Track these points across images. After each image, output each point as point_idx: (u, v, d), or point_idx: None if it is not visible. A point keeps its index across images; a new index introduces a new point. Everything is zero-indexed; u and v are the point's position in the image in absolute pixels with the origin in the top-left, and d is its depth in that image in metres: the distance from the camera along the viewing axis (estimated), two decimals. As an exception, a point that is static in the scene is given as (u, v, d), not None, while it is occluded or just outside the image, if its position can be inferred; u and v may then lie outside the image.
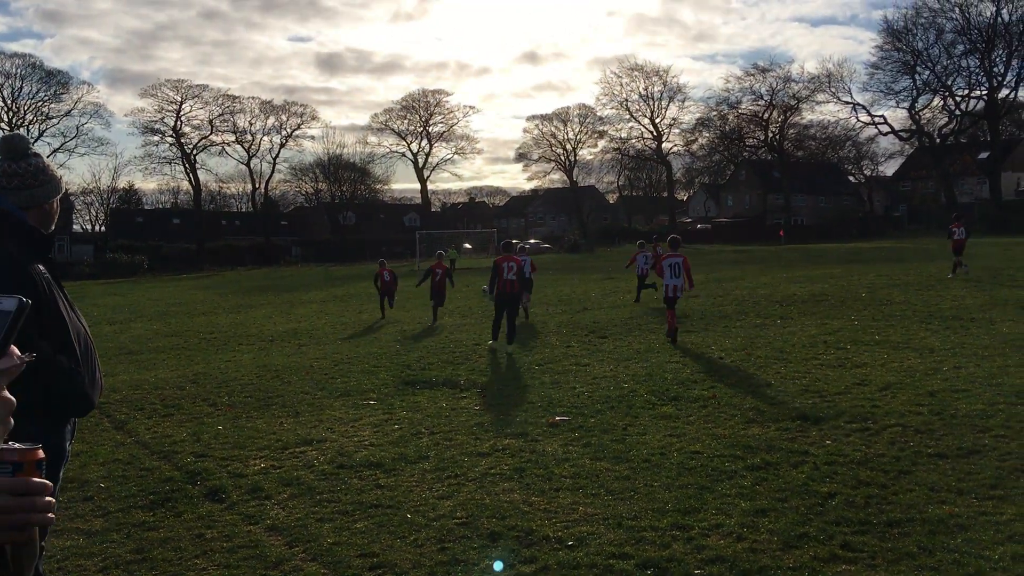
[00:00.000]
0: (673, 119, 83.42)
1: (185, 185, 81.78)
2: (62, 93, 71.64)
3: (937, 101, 68.91)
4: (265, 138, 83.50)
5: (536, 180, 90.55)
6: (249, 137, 79.36)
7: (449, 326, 17.48)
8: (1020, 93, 67.97)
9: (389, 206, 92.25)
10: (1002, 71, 65.32)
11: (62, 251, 67.34)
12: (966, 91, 67.49)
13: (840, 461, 6.13)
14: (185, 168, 77.91)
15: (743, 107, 77.31)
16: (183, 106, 76.10)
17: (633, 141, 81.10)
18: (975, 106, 68.14)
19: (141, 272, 60.05)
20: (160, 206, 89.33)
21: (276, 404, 9.48)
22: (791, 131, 77.73)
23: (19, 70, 69.50)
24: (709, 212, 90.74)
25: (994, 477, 5.57)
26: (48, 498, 1.34)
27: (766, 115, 76.62)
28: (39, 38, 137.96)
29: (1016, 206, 62.40)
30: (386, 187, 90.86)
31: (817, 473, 5.88)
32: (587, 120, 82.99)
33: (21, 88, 69.81)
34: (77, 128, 73.54)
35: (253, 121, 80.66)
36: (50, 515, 1.35)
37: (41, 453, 1.38)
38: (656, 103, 78.58)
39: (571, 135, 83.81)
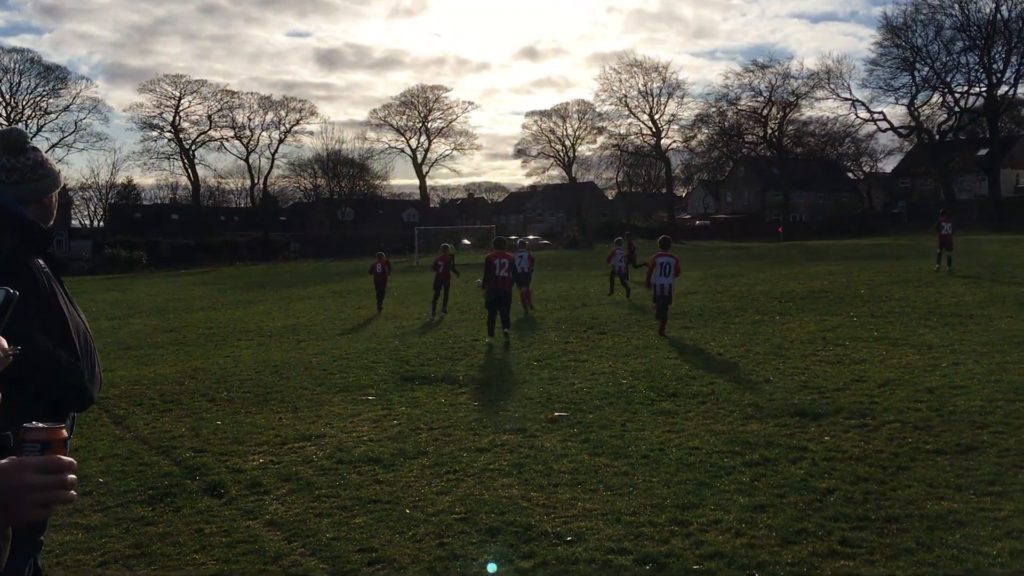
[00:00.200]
0: (672, 115, 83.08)
1: (184, 180, 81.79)
2: (60, 88, 71.61)
3: (936, 98, 68.94)
4: (264, 133, 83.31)
5: (535, 176, 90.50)
6: (248, 132, 79.35)
7: (447, 322, 17.47)
8: (1019, 90, 67.83)
9: (388, 202, 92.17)
10: (1001, 68, 65.31)
11: (61, 246, 67.30)
12: (965, 88, 67.51)
13: (838, 457, 6.14)
14: (184, 163, 77.92)
15: (742, 103, 77.28)
16: (182, 101, 76.10)
17: (632, 137, 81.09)
18: (974, 103, 68.12)
19: (139, 267, 60.00)
20: (159, 201, 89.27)
21: (275, 400, 9.48)
22: (790, 127, 77.73)
23: (17, 65, 69.46)
24: (708, 208, 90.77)
25: (992, 473, 5.58)
26: (72, 476, 1.40)
27: (765, 111, 76.60)
28: (37, 33, 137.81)
29: (1015, 203, 62.45)
30: (385, 183, 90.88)
31: (815, 469, 5.88)
32: (586, 116, 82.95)
33: (19, 83, 69.77)
34: (76, 123, 73.53)
35: (252, 116, 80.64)
36: (73, 492, 1.41)
37: (65, 432, 1.44)
38: (655, 99, 78.56)
39: (570, 131, 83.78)
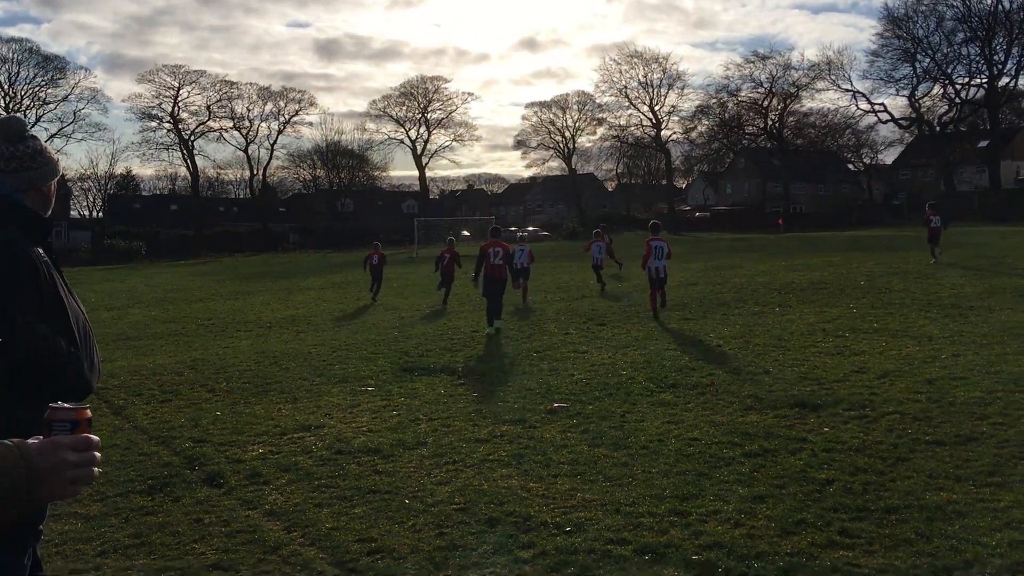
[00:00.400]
0: (672, 106, 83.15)
1: (183, 171, 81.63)
2: (59, 78, 71.41)
3: (937, 89, 68.84)
4: (263, 124, 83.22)
5: (535, 167, 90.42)
6: (247, 123, 79.14)
7: (447, 313, 17.47)
8: (1020, 81, 68.12)
9: (387, 193, 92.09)
10: (1002, 59, 65.20)
11: (60, 237, 67.23)
12: (966, 79, 67.41)
13: (838, 448, 6.14)
14: (183, 154, 77.74)
15: (743, 95, 77.09)
16: (181, 92, 75.86)
17: (632, 128, 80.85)
18: (975, 94, 68.05)
19: (139, 258, 60.01)
20: (158, 192, 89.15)
21: (274, 390, 9.48)
22: (791, 119, 77.56)
23: (16, 55, 69.25)
24: (708, 200, 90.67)
25: (992, 464, 5.58)
26: (98, 454, 1.48)
27: (766, 103, 76.42)
28: (36, 23, 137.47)
29: (1015, 194, 62.41)
30: (384, 174, 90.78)
31: (815, 460, 5.89)
32: (586, 107, 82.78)
33: (18, 73, 69.59)
34: (74, 113, 73.35)
35: (251, 107, 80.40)
36: (98, 470, 1.50)
37: (89, 412, 1.51)
38: (655, 90, 78.30)
39: (570, 122, 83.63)
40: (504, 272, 14.34)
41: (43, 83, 70.80)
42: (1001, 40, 64.41)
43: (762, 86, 75.76)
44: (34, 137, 3.55)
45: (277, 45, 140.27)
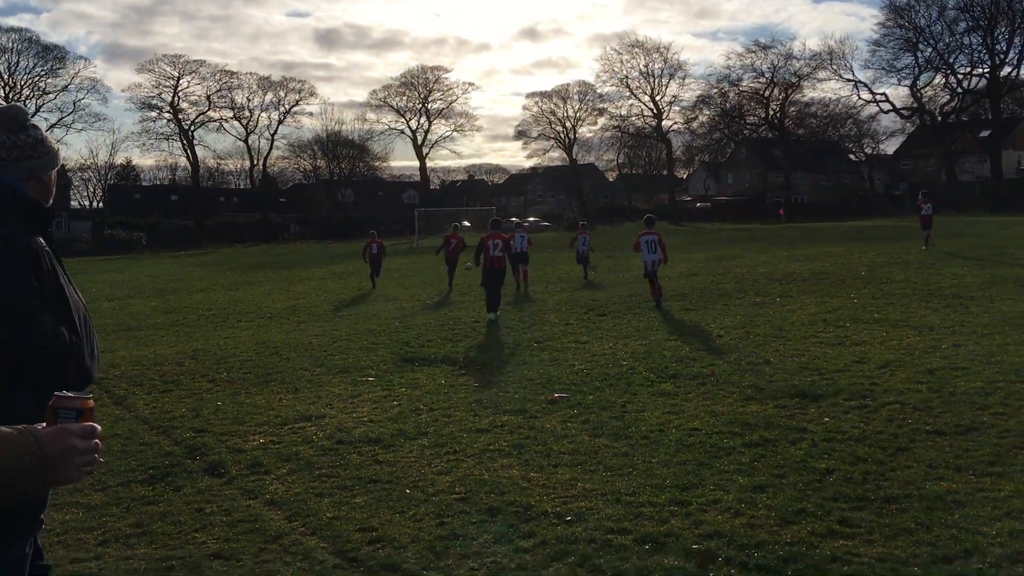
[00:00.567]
0: (673, 96, 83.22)
1: (183, 161, 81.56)
2: (59, 68, 71.28)
3: (939, 79, 68.62)
4: (263, 114, 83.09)
5: (535, 158, 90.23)
6: (247, 113, 79.07)
7: (448, 303, 17.47)
8: (1022, 71, 67.63)
9: (388, 183, 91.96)
10: (1004, 49, 64.97)
11: (60, 227, 67.19)
12: (968, 69, 67.17)
13: (838, 438, 6.14)
14: (183, 144, 77.66)
15: (744, 84, 76.86)
16: (180, 82, 75.73)
17: (633, 119, 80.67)
18: (977, 84, 67.82)
19: (139, 249, 59.99)
20: (158, 182, 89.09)
21: (275, 380, 9.49)
22: (792, 109, 77.34)
23: (15, 44, 69.11)
24: (709, 190, 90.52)
25: (992, 454, 5.58)
26: (100, 441, 1.56)
27: (767, 92, 76.22)
28: (36, 12, 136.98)
29: (1017, 184, 62.27)
30: (385, 164, 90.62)
31: (815, 450, 5.89)
32: (587, 97, 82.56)
33: (18, 63, 69.45)
34: (74, 103, 73.24)
35: (251, 97, 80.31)
36: (100, 457, 1.58)
37: (92, 401, 1.59)
38: (656, 80, 78.09)
39: (571, 112, 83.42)
40: (503, 263, 14.61)
41: (43, 73, 70.72)
42: (1003, 29, 64.20)
43: (763, 76, 75.58)
44: (35, 126, 3.54)
45: (277, 35, 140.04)
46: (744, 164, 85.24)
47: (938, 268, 17.67)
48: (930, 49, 66.74)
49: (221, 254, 52.15)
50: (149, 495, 5.61)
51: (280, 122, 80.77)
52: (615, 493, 5.21)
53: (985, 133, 67.45)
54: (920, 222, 23.09)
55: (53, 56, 70.89)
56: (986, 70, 66.13)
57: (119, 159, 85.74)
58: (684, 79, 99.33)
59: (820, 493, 5.03)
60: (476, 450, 6.32)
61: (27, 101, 68.63)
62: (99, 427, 1.58)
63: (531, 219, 70.38)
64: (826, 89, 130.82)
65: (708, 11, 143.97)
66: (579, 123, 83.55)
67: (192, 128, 77.39)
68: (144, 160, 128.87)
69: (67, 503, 5.37)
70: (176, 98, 75.82)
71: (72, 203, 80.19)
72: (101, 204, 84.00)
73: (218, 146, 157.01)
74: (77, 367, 3.52)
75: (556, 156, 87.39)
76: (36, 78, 70.58)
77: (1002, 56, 65.11)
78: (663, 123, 78.96)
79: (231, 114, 78.63)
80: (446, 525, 4.82)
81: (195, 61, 78.90)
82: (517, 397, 8.06)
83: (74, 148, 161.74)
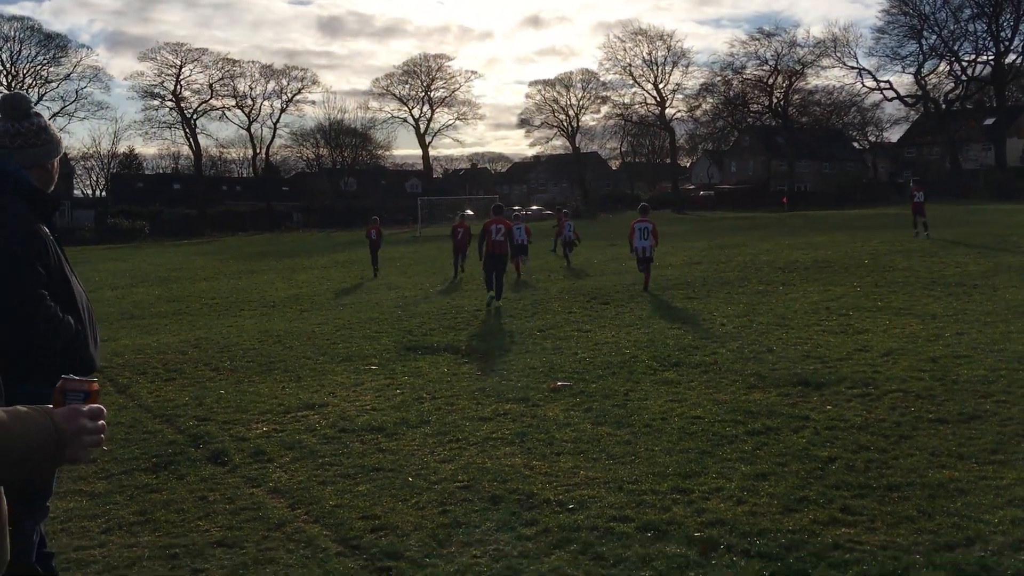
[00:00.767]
0: (677, 84, 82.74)
1: (186, 150, 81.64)
2: (61, 56, 71.26)
3: (943, 66, 68.37)
4: (266, 103, 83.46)
5: (538, 146, 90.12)
6: (249, 102, 79.09)
7: (450, 292, 17.48)
8: (1027, 58, 67.25)
9: (391, 172, 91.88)
10: (1009, 36, 64.69)
11: (63, 216, 67.22)
12: (973, 56, 66.93)
13: (841, 426, 6.14)
14: (185, 133, 77.72)
15: (748, 72, 76.58)
16: (183, 70, 75.72)
17: (636, 107, 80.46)
18: (981, 71, 67.59)
19: (142, 237, 60.05)
20: (161, 171, 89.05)
21: (278, 369, 9.50)
22: (796, 97, 77.06)
23: (18, 33, 69.08)
24: (712, 178, 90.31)
25: (995, 442, 5.58)
26: (104, 422, 1.65)
27: (771, 80, 75.93)
28: (38, 0, 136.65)
29: (1021, 172, 62.04)
30: (388, 153, 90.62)
31: (818, 438, 5.89)
32: (590, 85, 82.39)
33: (20, 51, 69.44)
34: (77, 92, 73.25)
35: (253, 85, 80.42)
36: (105, 437, 1.66)
37: (97, 385, 1.69)
38: (660, 68, 77.81)
39: (574, 101, 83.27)
40: (505, 248, 14.98)
41: (45, 61, 70.70)
42: (1008, 16, 63.89)
43: (767, 64, 75.30)
44: (38, 114, 3.54)
45: (279, 23, 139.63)
46: (747, 152, 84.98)
47: (941, 256, 17.64)
48: (934, 36, 66.50)
49: (224, 243, 52.17)
50: (152, 483, 5.62)
51: (283, 110, 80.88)
52: (617, 481, 5.21)
53: (989, 121, 67.18)
54: (912, 209, 23.56)
55: (55, 44, 70.91)
56: (991, 57, 65.89)
57: (122, 148, 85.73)
58: (687, 67, 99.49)
59: (822, 481, 5.04)
60: (479, 438, 6.33)
61: (30, 90, 68.59)
62: (104, 408, 1.67)
63: (534, 207, 70.26)
64: (830, 77, 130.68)
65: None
66: (582, 111, 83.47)
67: (195, 117, 77.44)
68: (147, 149, 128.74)
69: (71, 491, 5.39)
70: (178, 86, 75.85)
71: (75, 192, 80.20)
72: (104, 193, 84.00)
73: (221, 135, 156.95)
74: (81, 355, 3.53)
75: (559, 144, 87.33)
76: (38, 67, 70.61)
77: (1007, 43, 64.85)
78: (666, 111, 78.75)
79: (233, 102, 78.70)
80: (449, 513, 4.83)
81: (197, 49, 78.67)
82: (520, 385, 8.06)
83: (77, 137, 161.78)
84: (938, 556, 3.96)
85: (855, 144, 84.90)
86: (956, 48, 66.36)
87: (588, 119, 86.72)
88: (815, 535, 4.27)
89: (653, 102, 78.98)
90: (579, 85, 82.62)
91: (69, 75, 71.95)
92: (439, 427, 6.69)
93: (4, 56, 68.72)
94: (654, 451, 5.80)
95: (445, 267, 23.78)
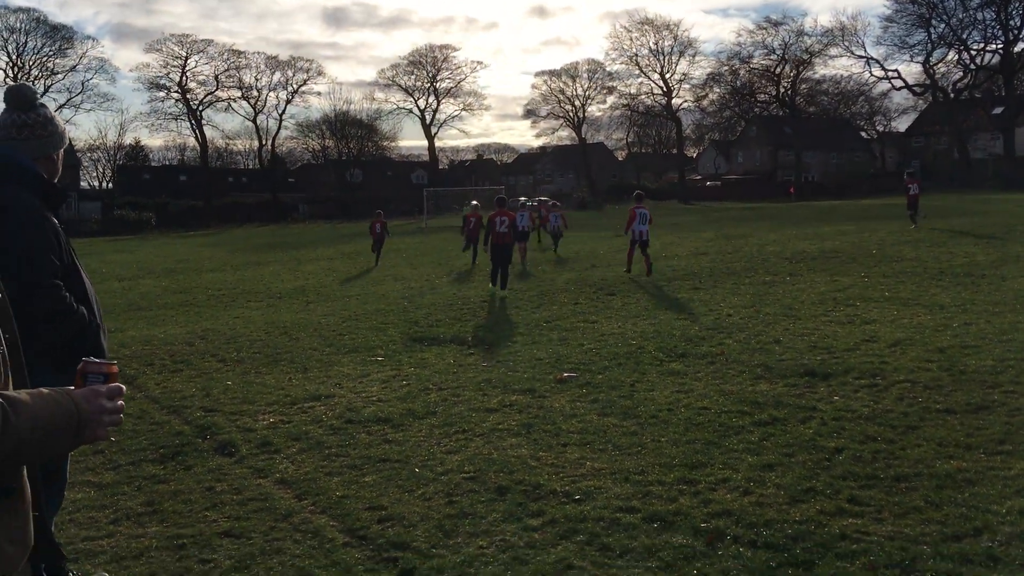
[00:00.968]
0: (683, 74, 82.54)
1: (191, 142, 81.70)
2: (67, 48, 71.30)
3: (952, 55, 68.00)
4: (271, 94, 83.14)
5: (544, 137, 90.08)
6: (255, 93, 78.99)
7: (456, 283, 17.49)
8: (1036, 47, 66.81)
9: (396, 163, 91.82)
10: (1018, 24, 64.23)
11: (69, 208, 67.37)
12: (981, 45, 66.52)
13: (848, 417, 6.13)
14: (191, 124, 77.74)
15: (755, 62, 76.31)
16: (188, 61, 75.69)
17: (643, 97, 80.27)
18: (990, 60, 67.15)
19: (149, 229, 60.20)
20: (167, 163, 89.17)
21: (285, 360, 9.52)
22: (803, 86, 76.75)
23: (24, 25, 69.12)
24: (719, 169, 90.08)
25: (1003, 432, 5.56)
26: (122, 402, 1.73)
27: (778, 70, 75.63)
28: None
29: (1030, 162, 61.72)
30: (393, 144, 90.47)
31: (825, 429, 5.88)
32: (596, 76, 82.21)
33: (26, 43, 69.48)
34: (83, 83, 73.43)
35: (259, 77, 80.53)
36: (122, 416, 1.75)
37: (116, 367, 1.77)
38: (666, 58, 77.61)
39: (580, 91, 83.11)
40: (510, 239, 15.38)
41: (51, 53, 70.75)
42: (1017, 4, 63.43)
43: (774, 53, 75.01)
44: (43, 105, 3.54)
45: (284, 13, 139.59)
46: (754, 142, 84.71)
47: (949, 247, 17.57)
48: (943, 25, 66.11)
49: (230, 234, 52.24)
50: (160, 474, 5.64)
51: (288, 102, 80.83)
52: (624, 472, 5.21)
53: (998, 110, 66.79)
54: (907, 201, 24.42)
55: (61, 36, 70.92)
56: (1000, 46, 65.47)
57: (128, 139, 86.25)
58: (694, 56, 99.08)
59: (829, 472, 5.03)
60: (485, 429, 6.33)
61: (36, 81, 68.69)
62: (124, 387, 1.76)
63: (540, 198, 70.14)
64: (838, 66, 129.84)
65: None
66: (588, 102, 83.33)
67: (200, 108, 77.42)
68: (153, 140, 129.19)
69: (79, 482, 5.41)
70: (184, 78, 75.83)
71: (81, 184, 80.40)
72: (110, 185, 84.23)
73: (226, 126, 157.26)
74: (93, 344, 3.54)
75: (565, 135, 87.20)
76: (44, 58, 70.66)
77: (1016, 32, 64.40)
78: (673, 101, 78.54)
79: (239, 94, 78.64)
80: (455, 504, 4.83)
81: (203, 41, 78.98)
82: (526, 377, 8.06)
83: (83, 129, 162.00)
84: (945, 546, 3.95)
85: (863, 134, 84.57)
86: (965, 37, 66.01)
87: (594, 109, 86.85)
88: (822, 526, 4.26)
89: (660, 92, 78.81)
90: (585, 75, 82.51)
91: (75, 67, 72.11)
92: (445, 418, 6.70)
93: (10, 48, 68.85)
94: (660, 442, 5.79)
95: (451, 258, 23.79)
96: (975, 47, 66.61)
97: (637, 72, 78.87)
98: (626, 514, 4.54)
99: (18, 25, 68.68)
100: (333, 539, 4.42)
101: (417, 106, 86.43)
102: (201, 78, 77.43)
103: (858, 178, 71.08)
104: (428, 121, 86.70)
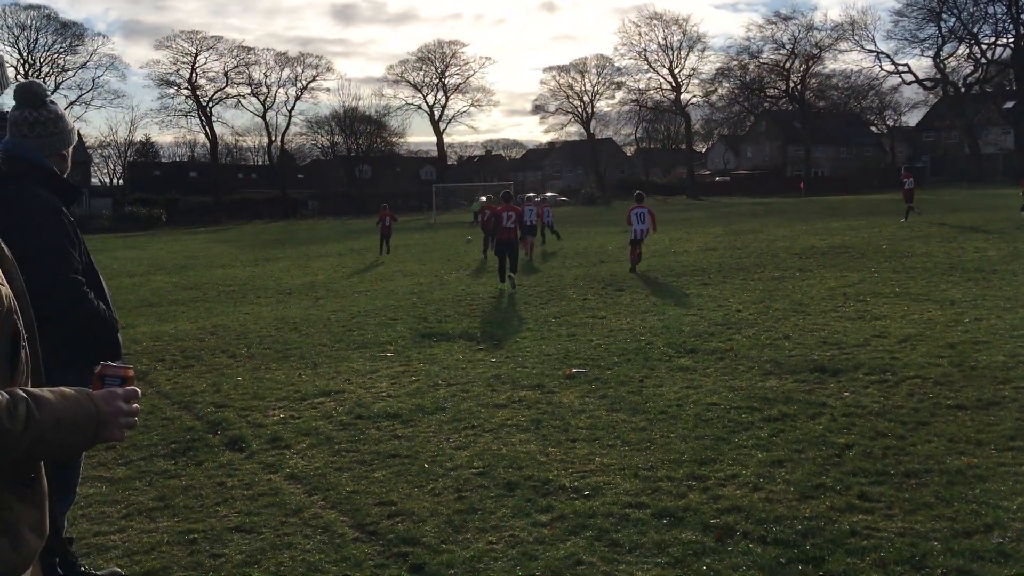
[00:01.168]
0: (692, 69, 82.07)
1: (201, 138, 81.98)
2: (77, 45, 71.62)
3: (962, 49, 67.71)
4: (280, 90, 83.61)
5: (553, 133, 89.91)
6: (264, 89, 79.17)
7: (465, 279, 17.50)
8: (1048, 40, 66.33)
9: (405, 159, 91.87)
10: (1030, 18, 63.75)
11: (80, 204, 67.60)
12: (992, 38, 66.23)
13: (858, 413, 6.11)
14: (201, 121, 77.93)
15: (764, 56, 76.13)
16: (198, 58, 75.88)
17: (651, 92, 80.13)
18: (1001, 54, 66.79)
19: (159, 225, 60.43)
20: (177, 159, 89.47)
21: (294, 356, 9.55)
22: (813, 81, 76.49)
23: (34, 22, 69.44)
24: (728, 164, 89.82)
25: (1014, 428, 5.54)
26: (137, 405, 1.81)
27: (787, 64, 75.41)
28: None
29: (1041, 157, 61.35)
30: (402, 140, 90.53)
31: (834, 424, 5.86)
32: (605, 71, 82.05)
33: (36, 40, 69.82)
34: (93, 80, 73.81)
35: (268, 73, 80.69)
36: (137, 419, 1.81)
37: (132, 371, 1.85)
38: (675, 53, 77.39)
39: (588, 86, 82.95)
40: (516, 234, 15.67)
41: (62, 50, 71.07)
42: (1029, -2, 62.97)
43: (784, 47, 74.77)
44: (53, 102, 3.56)
45: (293, 10, 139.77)
46: (764, 137, 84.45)
47: (960, 242, 17.49)
48: (954, 19, 65.78)
49: (240, 230, 52.38)
50: (171, 469, 5.67)
51: (297, 98, 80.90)
52: (633, 468, 5.21)
53: (1009, 104, 66.40)
54: (903, 195, 25.55)
55: (71, 33, 71.22)
56: (1011, 40, 65.10)
57: (138, 136, 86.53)
58: (703, 51, 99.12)
59: (839, 468, 5.02)
60: (494, 425, 6.34)
61: (46, 79, 69.03)
62: (139, 391, 1.83)
63: (549, 194, 70.09)
64: (848, 60, 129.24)
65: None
66: (597, 97, 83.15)
67: (210, 105, 77.65)
68: (163, 137, 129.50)
69: (91, 477, 5.44)
70: (194, 75, 76.03)
71: (92, 180, 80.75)
72: (121, 181, 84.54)
73: (236, 123, 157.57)
74: (111, 341, 3.56)
75: (574, 131, 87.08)
76: (55, 55, 70.99)
77: (1027, 25, 63.93)
78: (682, 96, 78.35)
79: (248, 90, 78.83)
80: (464, 499, 4.84)
81: (212, 37, 78.94)
82: (535, 372, 8.06)
83: (94, 125, 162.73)
84: (956, 543, 3.94)
85: (873, 128, 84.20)
86: (975, 31, 65.67)
87: (603, 105, 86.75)
88: (832, 522, 4.26)
89: (668, 87, 78.63)
90: (594, 71, 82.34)
91: (85, 64, 72.47)
92: (454, 414, 6.71)
93: (21, 45, 69.15)
94: (670, 438, 5.79)
95: (460, 254, 23.81)
96: (986, 41, 66.36)
97: (646, 67, 78.80)
98: (635, 510, 4.55)
99: (29, 22, 69.08)
100: (343, 534, 4.43)
101: (426, 102, 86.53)
102: (211, 75, 77.58)
103: (868, 173, 70.76)
104: (437, 117, 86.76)
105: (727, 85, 78.96)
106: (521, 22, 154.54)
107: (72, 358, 3.28)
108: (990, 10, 64.92)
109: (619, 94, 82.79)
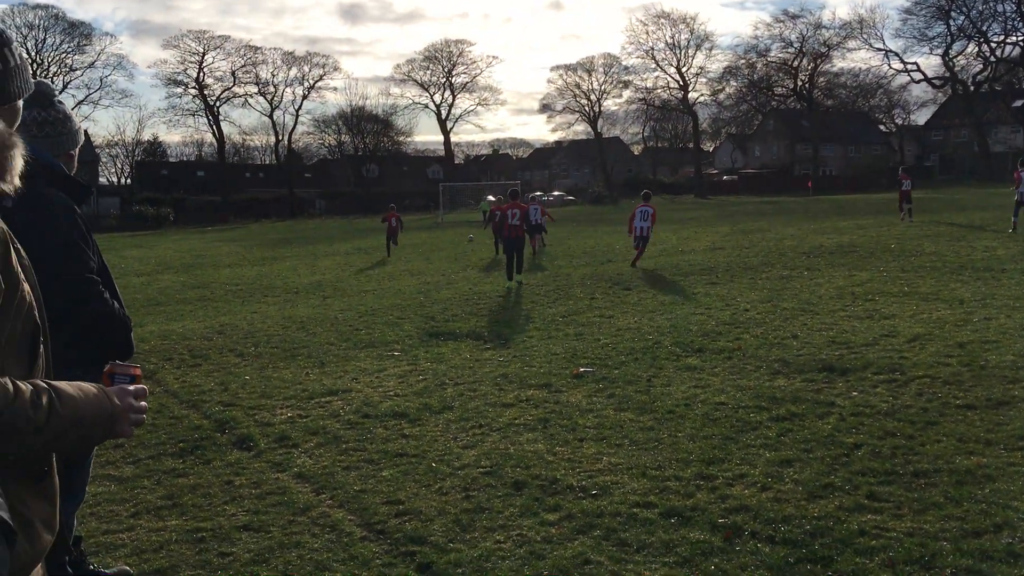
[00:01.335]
0: (700, 68, 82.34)
1: (209, 137, 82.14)
2: (85, 44, 71.87)
3: (972, 47, 67.42)
4: (288, 90, 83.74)
5: (560, 132, 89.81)
6: (272, 89, 79.35)
7: (472, 278, 17.51)
8: (1058, 38, 66.06)
9: (412, 158, 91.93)
10: (1040, 16, 63.45)
11: (89, 203, 67.78)
12: (1002, 37, 65.92)
13: (867, 412, 6.09)
14: (208, 120, 78.16)
15: (772, 55, 75.92)
16: (205, 57, 76.11)
17: (659, 91, 80.00)
18: (1011, 52, 66.47)
19: (167, 224, 60.61)
20: (184, 158, 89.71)
21: (302, 355, 9.56)
22: (821, 79, 76.26)
23: (42, 21, 69.68)
24: (736, 163, 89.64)
25: (1023, 428, 5.51)
26: (145, 403, 1.86)
27: (795, 63, 75.17)
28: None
29: (1051, 155, 61.06)
30: (409, 139, 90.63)
31: (843, 424, 5.84)
32: (612, 70, 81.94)
33: (44, 40, 70.06)
34: (101, 80, 74.08)
35: (275, 72, 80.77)
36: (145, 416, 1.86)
37: (140, 370, 1.91)
38: (683, 52, 77.26)
39: (596, 85, 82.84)
40: (522, 231, 16.03)
41: (69, 50, 71.32)
42: (1039, -4, 62.68)
43: (792, 46, 74.56)
44: (61, 102, 3.57)
45: (300, 9, 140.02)
46: (772, 136, 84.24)
47: (969, 241, 17.41)
48: (963, 17, 65.51)
49: (247, 229, 52.49)
50: (179, 468, 5.68)
51: (304, 97, 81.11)
52: (640, 467, 5.20)
53: (1018, 103, 66.12)
54: (900, 196, 25.43)
55: (79, 33, 71.47)
56: (1020, 38, 64.83)
57: (146, 135, 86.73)
58: (711, 50, 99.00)
59: (848, 467, 5.00)
60: (501, 424, 6.34)
61: (54, 78, 69.29)
62: (147, 389, 1.87)
63: (556, 193, 70.09)
64: (856, 59, 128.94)
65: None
66: (604, 96, 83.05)
67: (217, 104, 77.85)
68: (171, 136, 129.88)
69: (100, 476, 5.46)
70: (201, 74, 76.24)
71: (100, 179, 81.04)
72: (129, 180, 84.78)
73: (243, 122, 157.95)
74: (127, 340, 3.56)
75: (581, 130, 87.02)
76: (63, 55, 71.25)
77: (1037, 23, 63.63)
78: (689, 95, 78.21)
79: (256, 90, 79.03)
80: (472, 498, 4.84)
81: (220, 37, 79.34)
82: (542, 371, 8.06)
83: (102, 125, 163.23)
84: (965, 543, 3.92)
85: (881, 127, 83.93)
86: (984, 29, 65.39)
87: (610, 104, 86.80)
88: (841, 522, 4.24)
89: (676, 86, 78.50)
90: (601, 69, 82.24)
91: (93, 63, 72.76)
92: (462, 413, 6.71)
93: (29, 45, 69.32)
94: (677, 437, 5.78)
95: (467, 253, 23.81)
96: (995, 39, 66.06)
97: (653, 66, 78.79)
98: (643, 509, 4.54)
99: (36, 22, 69.31)
100: (351, 533, 4.44)
101: (433, 101, 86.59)
102: (218, 74, 77.81)
103: (876, 172, 70.52)
104: (444, 116, 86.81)
105: (735, 84, 78.88)
106: (528, 21, 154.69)
107: (83, 356, 3.29)
108: (999, 8, 64.68)
109: (626, 93, 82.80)
